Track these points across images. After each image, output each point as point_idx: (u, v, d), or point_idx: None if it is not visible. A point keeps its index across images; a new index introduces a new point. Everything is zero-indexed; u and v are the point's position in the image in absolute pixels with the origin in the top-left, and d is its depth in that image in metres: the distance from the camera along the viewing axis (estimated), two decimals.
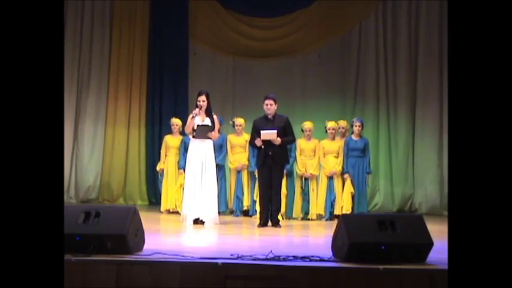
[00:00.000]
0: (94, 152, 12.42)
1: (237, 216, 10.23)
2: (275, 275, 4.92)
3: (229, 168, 10.51)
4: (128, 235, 5.25)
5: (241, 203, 10.30)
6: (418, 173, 12.12)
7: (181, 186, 9.83)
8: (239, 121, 10.50)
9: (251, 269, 4.95)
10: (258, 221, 8.88)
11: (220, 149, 10.13)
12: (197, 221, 8.58)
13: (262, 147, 8.66)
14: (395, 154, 12.23)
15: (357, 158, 10.04)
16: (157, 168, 11.04)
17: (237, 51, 12.58)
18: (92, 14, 12.53)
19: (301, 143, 10.12)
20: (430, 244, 5.28)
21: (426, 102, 12.14)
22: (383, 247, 5.15)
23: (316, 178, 10.16)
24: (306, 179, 10.12)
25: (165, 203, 10.68)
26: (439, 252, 5.25)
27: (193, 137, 8.75)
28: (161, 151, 10.97)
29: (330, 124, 10.24)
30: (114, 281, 4.89)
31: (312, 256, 5.31)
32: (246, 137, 9.98)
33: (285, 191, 9.85)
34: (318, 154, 10.15)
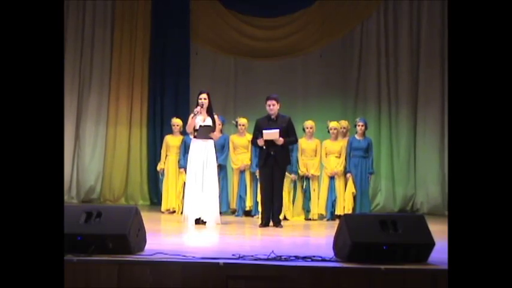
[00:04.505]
0: (95, 152, 12.43)
1: (239, 216, 10.23)
2: (277, 275, 4.92)
3: (232, 168, 10.51)
4: (130, 235, 5.25)
5: (244, 202, 10.30)
6: (419, 173, 12.12)
7: (183, 186, 9.84)
8: (242, 121, 10.50)
9: (253, 269, 4.95)
10: (259, 221, 8.88)
11: (222, 149, 10.14)
12: (199, 221, 8.58)
13: (264, 147, 8.66)
14: (397, 154, 12.23)
15: (359, 158, 10.04)
16: (158, 168, 11.04)
17: (239, 51, 12.58)
18: (94, 13, 12.54)
19: (302, 142, 10.10)
20: (431, 244, 5.28)
21: (428, 103, 12.14)
22: (385, 247, 5.14)
23: (318, 178, 10.16)
24: (307, 178, 10.11)
25: (166, 203, 10.69)
26: (440, 252, 5.24)
27: (195, 137, 8.75)
28: (161, 151, 10.98)
29: (332, 124, 10.24)
30: (116, 281, 4.88)
31: (314, 256, 5.31)
32: (249, 137, 9.95)
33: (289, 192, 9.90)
34: (319, 154, 10.15)
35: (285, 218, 9.70)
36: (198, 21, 12.54)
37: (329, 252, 5.43)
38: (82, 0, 12.50)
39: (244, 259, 5.13)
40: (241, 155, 10.41)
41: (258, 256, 5.22)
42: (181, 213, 9.28)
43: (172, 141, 10.85)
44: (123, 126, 12.45)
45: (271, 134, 8.59)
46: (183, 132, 10.38)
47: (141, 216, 5.62)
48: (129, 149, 12.48)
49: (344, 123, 10.47)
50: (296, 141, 9.29)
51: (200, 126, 8.66)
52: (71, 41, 12.30)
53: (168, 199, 10.70)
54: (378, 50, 12.34)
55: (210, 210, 8.61)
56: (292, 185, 10.07)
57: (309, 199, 10.09)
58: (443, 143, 11.93)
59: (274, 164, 8.69)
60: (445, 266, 4.72)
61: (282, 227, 8.63)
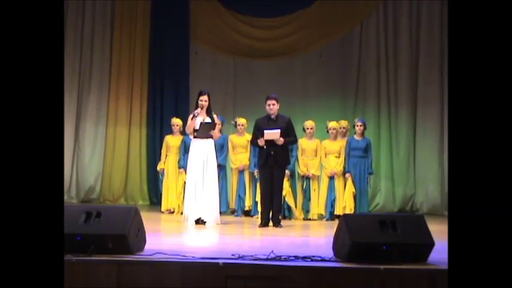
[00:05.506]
0: (95, 152, 12.43)
1: (238, 216, 10.23)
2: (276, 275, 4.92)
3: (231, 168, 10.51)
4: (129, 235, 5.25)
5: (243, 202, 10.30)
6: (419, 173, 12.13)
7: (183, 186, 9.85)
8: (241, 121, 10.51)
9: (252, 269, 4.95)
10: (259, 221, 8.89)
11: (221, 149, 10.13)
12: (198, 221, 8.58)
13: (265, 147, 8.66)
14: (396, 154, 12.23)
15: (358, 158, 10.03)
16: (158, 168, 11.04)
17: (238, 51, 12.58)
18: (93, 13, 12.55)
19: (302, 142, 10.12)
20: (431, 244, 5.28)
21: (427, 102, 12.14)
22: (384, 247, 5.14)
23: (318, 178, 10.16)
24: (307, 178, 10.11)
25: (166, 203, 10.69)
26: (439, 252, 5.24)
27: (195, 137, 8.75)
28: (162, 151, 10.98)
29: (332, 124, 10.24)
30: (115, 281, 4.88)
31: (313, 256, 5.31)
32: (248, 137, 9.96)
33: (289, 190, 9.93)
34: (320, 154, 10.15)
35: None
36: (198, 22, 12.54)
37: (328, 252, 5.43)
38: (81, 0, 12.50)
39: (244, 259, 5.13)
40: (240, 155, 10.41)
41: (258, 256, 5.22)
42: (181, 213, 9.29)
43: (172, 142, 10.84)
44: (122, 126, 12.46)
45: (273, 134, 8.59)
46: (183, 132, 10.37)
47: (140, 216, 5.62)
48: (128, 149, 12.49)
49: (343, 123, 10.47)
50: (296, 141, 9.32)
51: (201, 123, 8.66)
52: (71, 41, 12.30)
53: (168, 199, 10.70)
54: (377, 50, 12.35)
55: (210, 210, 8.61)
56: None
57: (309, 199, 10.09)
58: (442, 142, 11.94)
59: (274, 164, 8.69)
60: (445, 266, 4.73)
61: (281, 227, 8.62)
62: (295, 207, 10.03)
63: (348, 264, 5.09)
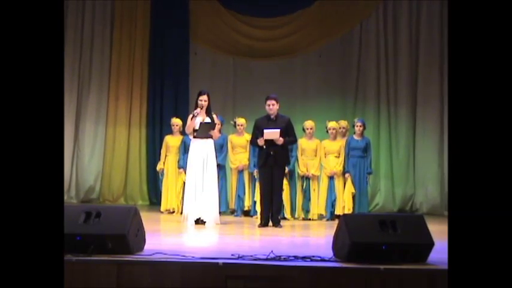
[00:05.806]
0: (95, 152, 12.43)
1: (238, 216, 10.23)
2: (276, 275, 4.92)
3: (230, 168, 10.51)
4: (129, 235, 5.25)
5: (243, 202, 10.30)
6: (419, 173, 12.12)
7: (182, 186, 9.86)
8: (240, 121, 10.51)
9: (252, 269, 4.95)
10: (258, 221, 8.89)
11: (221, 148, 10.13)
12: (198, 221, 8.58)
13: (264, 147, 8.66)
14: (396, 154, 12.23)
15: (358, 158, 10.03)
16: (157, 168, 11.03)
17: (238, 51, 12.58)
18: (93, 13, 12.54)
19: (302, 142, 10.12)
20: (430, 244, 5.28)
21: (427, 102, 12.14)
22: (384, 247, 5.14)
23: (317, 178, 10.16)
24: (307, 178, 10.11)
25: (165, 203, 10.69)
26: (439, 252, 5.25)
27: (194, 137, 8.75)
28: (161, 151, 10.97)
29: (331, 124, 10.24)
30: (115, 281, 4.89)
31: (313, 256, 5.31)
32: (247, 137, 9.96)
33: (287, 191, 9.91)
34: (320, 154, 10.15)
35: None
36: (197, 22, 12.53)
37: (328, 252, 5.43)
38: (81, 0, 12.50)
39: (244, 259, 5.13)
40: (240, 155, 10.41)
41: (257, 256, 5.22)
42: (181, 213, 9.29)
43: (172, 142, 10.84)
44: (122, 126, 12.45)
45: (272, 133, 8.59)
46: (183, 132, 10.37)
47: (140, 216, 5.62)
48: (128, 149, 12.48)
49: (343, 123, 10.47)
50: (295, 141, 9.32)
51: (200, 123, 8.66)
52: (70, 41, 12.29)
53: (168, 199, 10.69)
54: (377, 50, 12.34)
55: (210, 210, 8.61)
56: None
57: (309, 199, 10.09)
58: (442, 142, 11.94)
59: (273, 164, 8.69)
60: (444, 266, 4.73)
61: (281, 227, 8.62)
62: (291, 208, 10.01)
63: (347, 264, 5.09)
